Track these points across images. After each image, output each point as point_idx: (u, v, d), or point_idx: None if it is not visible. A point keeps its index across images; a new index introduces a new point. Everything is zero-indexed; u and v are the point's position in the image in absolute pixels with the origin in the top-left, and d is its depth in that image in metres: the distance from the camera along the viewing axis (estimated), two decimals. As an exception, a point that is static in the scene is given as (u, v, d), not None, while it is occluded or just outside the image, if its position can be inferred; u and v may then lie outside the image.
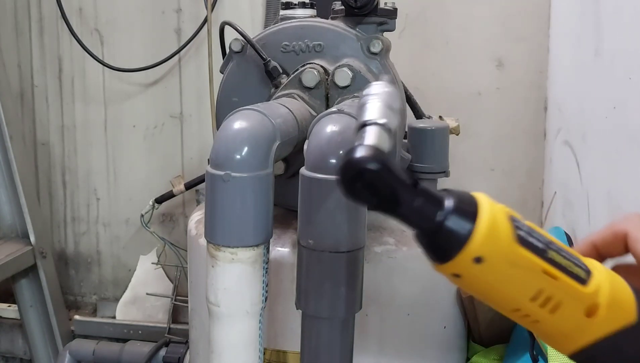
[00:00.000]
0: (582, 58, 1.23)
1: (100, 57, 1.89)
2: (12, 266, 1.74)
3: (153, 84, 1.91)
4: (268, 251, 0.77)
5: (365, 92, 0.56)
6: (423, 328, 0.99)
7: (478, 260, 0.40)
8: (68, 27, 1.87)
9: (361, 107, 0.53)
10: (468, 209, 0.42)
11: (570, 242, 1.20)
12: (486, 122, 1.67)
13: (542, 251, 0.42)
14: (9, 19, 1.99)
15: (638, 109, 0.88)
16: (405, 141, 1.11)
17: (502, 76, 1.65)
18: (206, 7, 1.69)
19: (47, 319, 1.86)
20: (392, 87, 0.56)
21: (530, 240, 0.42)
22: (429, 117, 1.29)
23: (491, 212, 0.42)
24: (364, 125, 0.49)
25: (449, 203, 0.42)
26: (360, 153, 0.41)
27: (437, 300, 1.00)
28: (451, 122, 1.23)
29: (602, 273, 0.44)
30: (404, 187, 0.41)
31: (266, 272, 0.76)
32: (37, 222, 1.84)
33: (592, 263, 0.45)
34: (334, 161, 0.71)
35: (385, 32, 1.03)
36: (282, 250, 0.95)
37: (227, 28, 1.07)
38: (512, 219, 0.42)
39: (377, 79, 0.97)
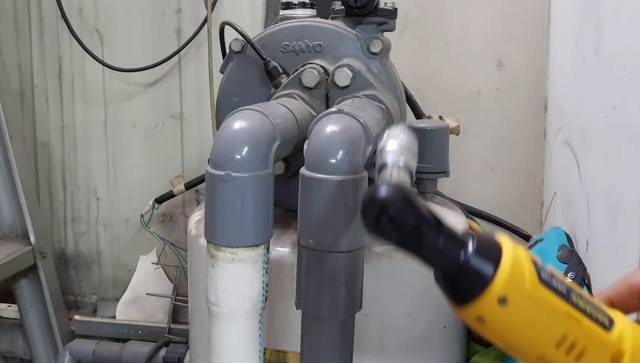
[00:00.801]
0: (582, 58, 1.23)
1: (100, 57, 1.89)
2: (12, 266, 1.74)
3: (153, 84, 1.91)
4: (268, 251, 0.77)
5: (384, 135, 0.57)
6: (423, 328, 0.99)
7: (502, 300, 0.40)
8: (68, 27, 1.87)
9: (381, 150, 0.54)
10: (491, 249, 0.41)
11: (570, 242, 1.20)
12: (486, 122, 1.67)
13: (565, 295, 0.41)
14: (9, 19, 1.99)
15: (638, 109, 0.88)
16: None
17: (502, 76, 1.65)
18: (206, 7, 1.69)
19: (47, 319, 1.86)
20: (410, 131, 0.58)
21: (553, 283, 0.41)
22: (429, 117, 1.29)
23: (514, 253, 0.41)
24: (384, 166, 0.50)
25: (471, 243, 0.41)
26: (383, 189, 0.41)
27: (437, 300, 1.00)
28: (451, 123, 1.23)
29: (623, 321, 0.43)
30: (428, 224, 0.41)
31: (266, 272, 0.76)
32: (37, 222, 1.84)
33: (612, 311, 0.44)
34: (333, 161, 0.71)
35: (385, 32, 1.03)
36: (282, 250, 0.95)
37: (227, 28, 1.07)
38: (535, 263, 0.42)
39: (377, 79, 0.97)
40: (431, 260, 0.42)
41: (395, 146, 0.55)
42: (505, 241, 0.42)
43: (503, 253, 0.41)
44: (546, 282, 0.41)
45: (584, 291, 0.43)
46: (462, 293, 0.41)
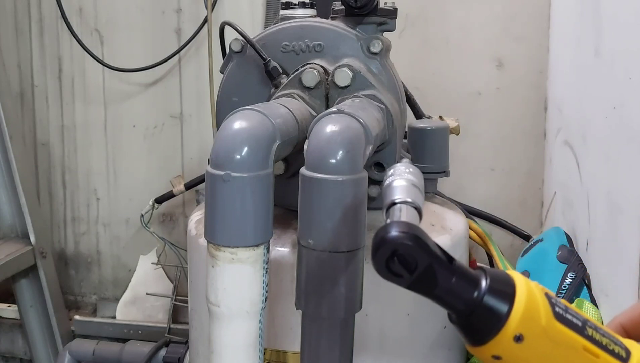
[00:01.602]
0: (582, 58, 1.23)
1: (100, 57, 1.89)
2: (12, 266, 1.74)
3: (153, 84, 1.91)
4: (268, 251, 0.77)
5: (390, 172, 0.56)
6: (423, 328, 0.99)
7: (518, 338, 0.39)
8: (68, 27, 1.87)
9: (388, 187, 0.54)
10: (504, 287, 0.40)
11: (570, 242, 1.20)
12: (486, 122, 1.67)
13: (580, 328, 0.41)
14: (9, 19, 1.99)
15: (638, 109, 0.88)
16: (405, 140, 1.11)
17: (502, 76, 1.65)
18: (206, 7, 1.69)
19: (47, 319, 1.86)
20: (415, 167, 0.57)
21: (568, 317, 0.41)
22: (429, 117, 1.29)
23: (528, 289, 0.40)
24: (392, 204, 0.49)
25: (484, 281, 0.41)
26: (394, 229, 0.40)
27: (437, 300, 1.00)
28: (451, 123, 1.23)
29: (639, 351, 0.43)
30: (440, 263, 0.40)
31: (266, 272, 0.76)
32: (37, 222, 1.84)
33: (628, 342, 0.44)
34: (333, 161, 0.71)
35: (385, 32, 1.03)
36: (282, 250, 0.95)
37: (227, 28, 1.07)
38: (548, 297, 0.41)
39: (377, 79, 0.97)
40: (444, 302, 0.41)
41: (402, 183, 0.54)
42: (517, 277, 0.41)
43: (517, 289, 0.40)
44: (561, 317, 0.40)
45: (599, 323, 0.43)
46: (477, 334, 0.40)
